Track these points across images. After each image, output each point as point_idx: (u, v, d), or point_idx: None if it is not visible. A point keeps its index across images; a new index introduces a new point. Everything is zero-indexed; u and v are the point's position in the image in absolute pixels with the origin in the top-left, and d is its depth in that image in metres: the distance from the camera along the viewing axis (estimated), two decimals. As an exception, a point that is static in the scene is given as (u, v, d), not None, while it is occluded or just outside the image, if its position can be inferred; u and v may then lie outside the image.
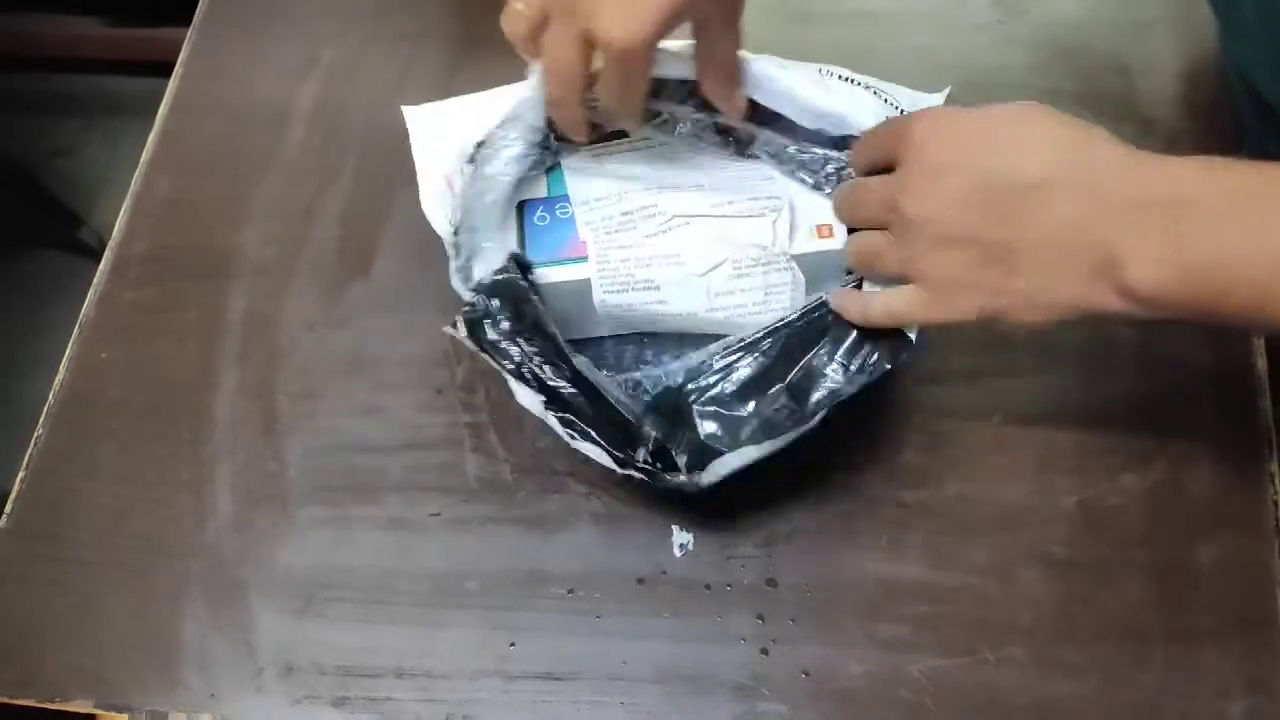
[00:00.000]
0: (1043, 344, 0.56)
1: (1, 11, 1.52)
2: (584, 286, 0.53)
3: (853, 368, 0.48)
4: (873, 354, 0.48)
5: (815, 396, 0.48)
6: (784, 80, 0.52)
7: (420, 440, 0.56)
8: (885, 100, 0.51)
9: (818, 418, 0.48)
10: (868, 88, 0.51)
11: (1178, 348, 0.56)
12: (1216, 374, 0.55)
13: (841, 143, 0.52)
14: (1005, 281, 0.43)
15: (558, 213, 0.54)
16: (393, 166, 0.61)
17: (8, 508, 0.57)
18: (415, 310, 0.57)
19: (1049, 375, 0.56)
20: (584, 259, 0.53)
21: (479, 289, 0.50)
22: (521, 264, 0.51)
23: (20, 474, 0.57)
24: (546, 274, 0.53)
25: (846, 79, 0.52)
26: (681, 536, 0.53)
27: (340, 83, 0.68)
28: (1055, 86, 0.64)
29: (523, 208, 0.54)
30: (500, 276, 0.50)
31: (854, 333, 0.49)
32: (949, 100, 0.59)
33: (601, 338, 0.56)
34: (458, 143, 0.54)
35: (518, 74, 0.62)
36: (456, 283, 0.52)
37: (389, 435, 0.57)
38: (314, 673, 0.51)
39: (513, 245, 0.53)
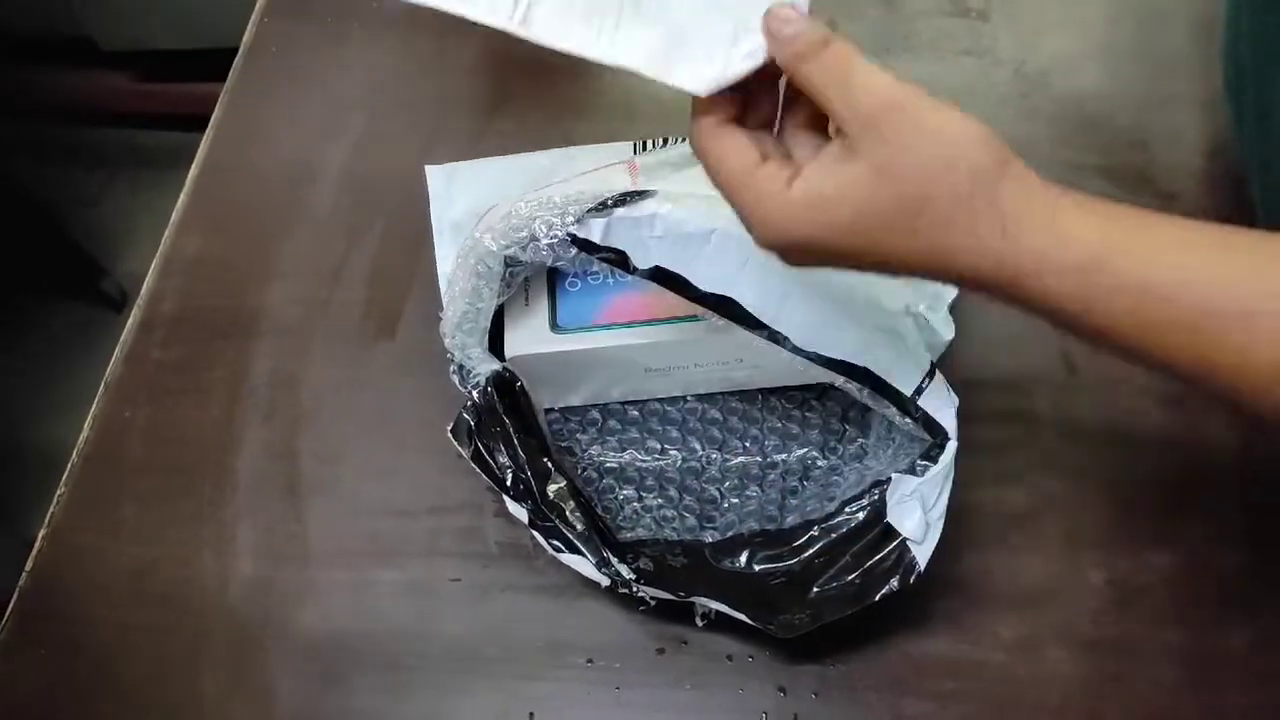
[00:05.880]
0: (1069, 419, 0.56)
1: (33, 65, 1.55)
2: (616, 353, 0.53)
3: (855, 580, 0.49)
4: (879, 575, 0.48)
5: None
6: None
7: (442, 504, 0.56)
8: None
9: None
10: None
11: (1207, 426, 0.56)
12: (1245, 452, 0.55)
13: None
14: None
15: (589, 279, 0.54)
16: (420, 229, 0.61)
17: (29, 565, 0.57)
18: (439, 373, 0.57)
19: (1076, 450, 0.55)
20: (615, 326, 0.53)
21: (470, 400, 0.51)
22: (502, 383, 0.51)
23: (42, 531, 0.57)
24: (579, 340, 0.53)
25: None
26: (703, 606, 0.52)
27: (369, 146, 0.69)
28: (1077, 159, 0.65)
29: (554, 273, 0.55)
30: (490, 388, 0.51)
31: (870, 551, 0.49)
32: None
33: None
34: (476, 203, 0.55)
35: (544, 140, 0.63)
36: (455, 381, 0.52)
37: (411, 498, 0.57)
38: (332, 741, 0.51)
39: (542, 318, 0.54)
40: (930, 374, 0.48)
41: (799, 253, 0.39)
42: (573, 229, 0.47)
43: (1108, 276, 0.35)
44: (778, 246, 0.39)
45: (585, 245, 0.47)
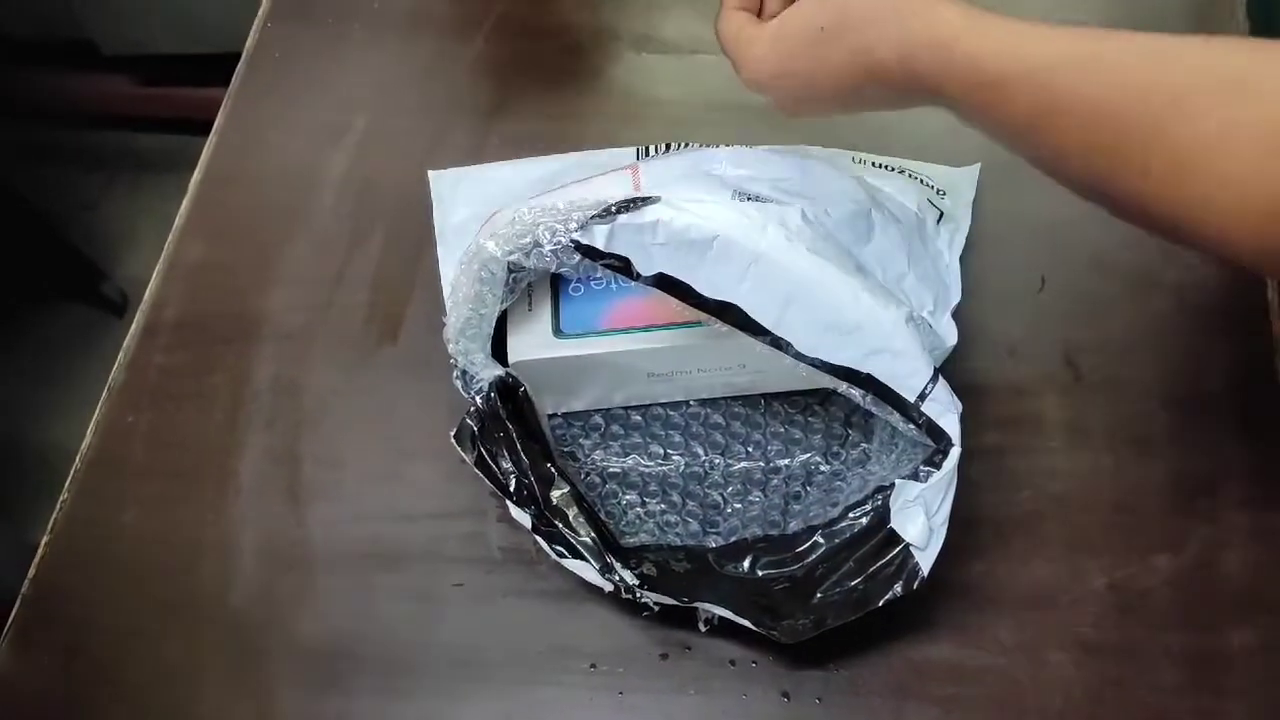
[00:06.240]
0: (1072, 423, 0.56)
1: (34, 67, 1.55)
2: (619, 358, 0.53)
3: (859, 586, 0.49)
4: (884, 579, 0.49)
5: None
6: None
7: (445, 509, 0.56)
8: (921, 181, 0.52)
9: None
10: (901, 171, 0.52)
11: (1209, 429, 0.56)
12: (1250, 457, 0.55)
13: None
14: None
15: (592, 284, 0.54)
16: (422, 234, 0.61)
17: (31, 570, 0.57)
18: (442, 378, 0.57)
19: (1078, 454, 0.55)
20: (618, 331, 0.53)
21: (473, 405, 0.51)
22: (506, 388, 0.51)
23: (45, 536, 0.57)
24: (582, 345, 0.53)
25: (879, 165, 0.52)
26: (706, 611, 0.52)
27: (372, 150, 0.69)
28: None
29: (557, 279, 0.55)
30: (493, 393, 0.51)
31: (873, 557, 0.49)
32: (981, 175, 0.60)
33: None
34: (479, 208, 0.55)
35: (547, 144, 0.63)
36: (459, 386, 0.53)
37: (413, 503, 0.57)
38: (334, 746, 0.51)
39: (545, 323, 0.54)
40: (933, 379, 0.48)
41: (774, 84, 0.47)
42: (576, 235, 0.47)
43: (958, 53, 0.41)
44: (757, 83, 0.48)
45: (589, 251, 0.47)
